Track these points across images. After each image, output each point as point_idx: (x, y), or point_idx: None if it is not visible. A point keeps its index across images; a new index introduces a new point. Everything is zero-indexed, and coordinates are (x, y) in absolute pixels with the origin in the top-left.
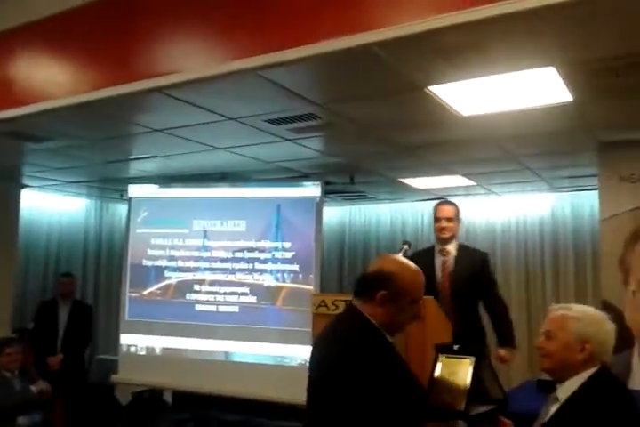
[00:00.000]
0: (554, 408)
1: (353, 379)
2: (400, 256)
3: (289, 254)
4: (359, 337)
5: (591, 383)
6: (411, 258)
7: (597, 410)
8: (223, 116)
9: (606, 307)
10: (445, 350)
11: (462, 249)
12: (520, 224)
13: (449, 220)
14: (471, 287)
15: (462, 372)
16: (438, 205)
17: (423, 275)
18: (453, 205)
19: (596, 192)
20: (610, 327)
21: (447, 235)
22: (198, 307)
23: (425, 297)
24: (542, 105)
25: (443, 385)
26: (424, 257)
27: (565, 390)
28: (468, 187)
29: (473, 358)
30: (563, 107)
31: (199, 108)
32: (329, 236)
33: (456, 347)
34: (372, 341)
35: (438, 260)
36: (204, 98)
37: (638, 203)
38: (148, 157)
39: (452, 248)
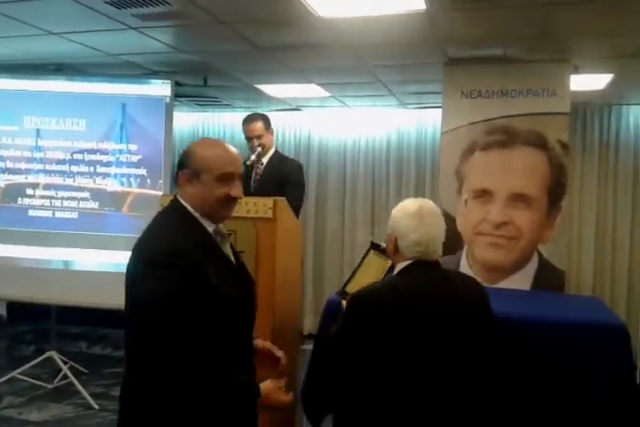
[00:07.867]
0: None
1: (146, 265)
2: (209, 137)
3: (135, 158)
4: (162, 221)
5: (402, 271)
6: None
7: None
8: None
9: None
10: (377, 247)
11: (274, 158)
12: (369, 139)
13: (259, 137)
14: (274, 193)
15: (379, 270)
16: (245, 123)
17: (230, 151)
18: (259, 119)
19: (439, 110)
20: (408, 222)
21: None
22: (32, 212)
23: (276, 198)
24: (397, 12)
25: (360, 276)
26: (245, 170)
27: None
28: (322, 98)
29: None
30: (416, 15)
31: None
32: (181, 143)
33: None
34: (176, 222)
35: (255, 171)
36: None
37: (476, 117)
38: None
39: (265, 159)
